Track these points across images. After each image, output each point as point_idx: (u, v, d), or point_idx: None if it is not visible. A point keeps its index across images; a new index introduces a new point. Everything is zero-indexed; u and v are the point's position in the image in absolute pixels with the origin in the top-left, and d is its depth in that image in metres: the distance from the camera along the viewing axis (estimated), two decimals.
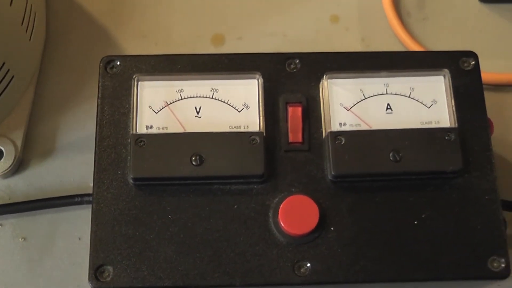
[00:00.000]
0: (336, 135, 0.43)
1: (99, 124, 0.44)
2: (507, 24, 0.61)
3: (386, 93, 0.45)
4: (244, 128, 0.44)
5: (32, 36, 0.55)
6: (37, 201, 0.53)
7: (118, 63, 0.46)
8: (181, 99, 0.44)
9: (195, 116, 0.44)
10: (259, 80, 0.45)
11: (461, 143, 0.43)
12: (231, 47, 0.60)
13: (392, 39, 0.60)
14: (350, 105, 0.45)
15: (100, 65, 0.46)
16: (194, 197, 0.43)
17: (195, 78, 0.45)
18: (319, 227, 0.42)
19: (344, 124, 0.44)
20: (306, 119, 0.45)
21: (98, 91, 0.45)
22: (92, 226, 0.42)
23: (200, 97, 0.45)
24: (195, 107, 0.44)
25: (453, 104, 0.44)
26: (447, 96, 0.45)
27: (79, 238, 0.53)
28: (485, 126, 0.45)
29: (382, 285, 0.43)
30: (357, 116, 0.44)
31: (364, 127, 0.44)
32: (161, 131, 0.44)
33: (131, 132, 0.43)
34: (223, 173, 0.42)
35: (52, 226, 0.53)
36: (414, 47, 0.58)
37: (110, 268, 0.41)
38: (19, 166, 0.55)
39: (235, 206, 0.43)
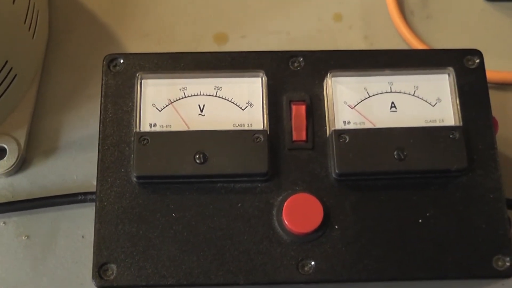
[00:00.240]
0: (340, 133, 0.43)
1: (103, 122, 0.44)
2: (511, 22, 0.60)
3: (390, 91, 0.45)
4: (247, 126, 0.44)
5: (35, 34, 0.55)
6: (40, 199, 0.53)
7: (121, 61, 0.46)
8: (185, 97, 0.44)
9: (199, 114, 0.44)
10: (263, 78, 0.45)
11: (465, 141, 0.43)
12: (235, 45, 0.60)
13: (396, 38, 0.60)
14: (354, 103, 0.44)
15: (103, 63, 0.46)
16: (197, 195, 0.43)
17: (198, 76, 0.45)
18: (323, 225, 0.42)
19: (348, 123, 0.44)
20: (310, 117, 0.44)
21: (101, 89, 0.45)
22: (96, 224, 0.42)
23: (203, 95, 0.44)
24: (199, 105, 0.44)
25: (457, 102, 0.44)
26: (451, 95, 0.45)
27: (83, 236, 0.53)
28: (490, 124, 0.45)
29: (386, 284, 0.43)
30: (361, 114, 0.44)
31: (368, 125, 0.44)
32: (164, 129, 0.44)
33: (134, 130, 0.43)
34: (227, 171, 0.42)
35: (55, 224, 0.53)
36: (417, 45, 0.58)
37: (113, 266, 0.41)
38: (22, 164, 0.55)
39: (239, 205, 0.43)
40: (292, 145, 0.44)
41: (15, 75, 0.53)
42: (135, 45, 0.59)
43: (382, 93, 0.45)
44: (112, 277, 0.41)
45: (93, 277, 0.41)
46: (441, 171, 0.43)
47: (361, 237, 0.42)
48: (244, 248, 0.42)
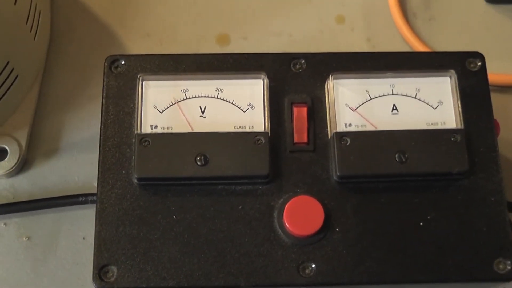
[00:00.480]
0: (341, 135, 0.43)
1: (104, 124, 0.44)
2: None
3: (392, 94, 0.45)
4: (249, 128, 0.44)
5: (36, 35, 0.55)
6: (41, 201, 0.53)
7: (123, 62, 0.46)
8: (186, 98, 0.44)
9: (200, 116, 0.44)
10: (264, 80, 0.45)
11: (467, 144, 0.43)
12: (237, 47, 0.60)
13: (398, 40, 0.60)
14: (356, 105, 0.44)
15: (104, 64, 0.46)
16: (198, 197, 0.43)
17: (200, 78, 0.45)
18: (324, 228, 0.42)
19: (350, 125, 0.44)
20: (311, 119, 0.44)
21: (103, 90, 0.45)
22: (96, 226, 0.42)
23: (205, 97, 0.44)
24: (200, 107, 0.44)
25: (459, 105, 0.44)
26: (453, 97, 0.45)
27: (83, 238, 0.53)
28: (491, 127, 0.45)
29: (387, 287, 0.43)
30: (363, 117, 0.44)
31: (369, 128, 0.44)
32: (165, 131, 0.44)
33: (135, 132, 0.43)
34: (228, 174, 0.42)
35: (56, 226, 0.53)
36: (419, 47, 0.58)
37: (114, 268, 0.41)
38: (23, 165, 0.55)
39: (240, 207, 0.43)
40: (294, 148, 0.44)
41: (17, 76, 0.53)
42: (137, 46, 0.59)
43: (383, 95, 0.45)
44: (112, 279, 0.41)
45: (94, 279, 0.41)
46: (443, 174, 0.43)
47: (362, 240, 0.42)
48: (245, 250, 0.42)
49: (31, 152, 0.55)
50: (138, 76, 0.45)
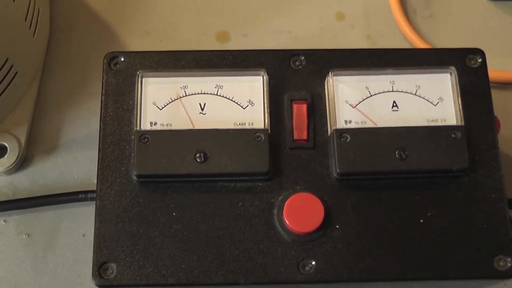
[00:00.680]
0: (341, 132, 0.43)
1: (103, 121, 0.44)
2: None
3: (392, 91, 0.45)
4: (248, 125, 0.44)
5: (36, 32, 0.55)
6: (41, 198, 0.53)
7: (122, 59, 0.46)
8: (186, 95, 0.44)
9: (200, 113, 0.44)
10: (264, 77, 0.44)
11: (467, 141, 0.43)
12: (236, 43, 0.59)
13: (398, 37, 0.60)
14: (356, 102, 0.44)
15: (104, 61, 0.45)
16: (198, 194, 0.43)
17: (199, 75, 0.45)
18: (324, 225, 0.42)
19: (350, 122, 0.44)
20: (311, 116, 0.44)
21: (102, 87, 0.45)
22: (96, 223, 0.42)
23: (204, 93, 0.44)
24: (200, 104, 0.44)
25: (459, 102, 0.44)
26: (453, 94, 0.45)
27: (83, 235, 0.53)
28: (492, 124, 0.45)
29: (387, 284, 0.43)
30: (363, 114, 0.44)
31: (369, 124, 0.44)
32: (165, 127, 0.43)
33: (135, 129, 0.43)
34: (228, 170, 0.42)
35: (56, 223, 0.53)
36: (420, 44, 0.58)
37: (113, 265, 0.41)
38: (23, 162, 0.55)
39: (240, 204, 0.43)
40: (293, 144, 0.44)
41: (16, 73, 0.53)
42: (136, 43, 0.59)
43: (383, 92, 0.45)
44: (112, 276, 0.41)
45: (93, 276, 0.41)
46: (443, 171, 0.43)
47: (362, 237, 0.42)
48: (244, 247, 0.42)
49: (31, 149, 0.55)
50: (138, 73, 0.45)
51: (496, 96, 0.46)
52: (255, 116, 0.44)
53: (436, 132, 0.43)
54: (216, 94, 0.44)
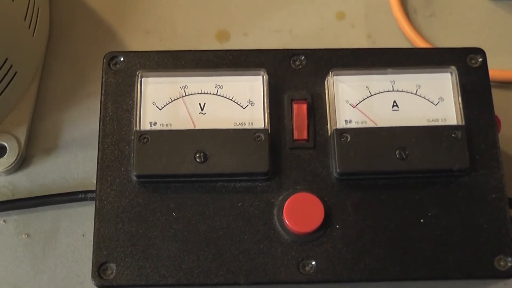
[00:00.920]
0: (341, 132, 0.43)
1: (103, 121, 0.44)
2: None
3: (393, 90, 0.45)
4: (248, 125, 0.43)
5: (35, 31, 0.55)
6: (41, 198, 0.53)
7: (122, 59, 0.45)
8: (185, 95, 0.44)
9: (200, 113, 0.44)
10: (264, 77, 0.44)
11: (468, 141, 0.43)
12: (236, 43, 0.59)
13: (399, 36, 0.60)
14: (356, 102, 0.44)
15: (103, 61, 0.45)
16: (198, 194, 0.43)
17: (199, 75, 0.45)
18: (324, 225, 0.42)
19: (350, 121, 0.44)
20: (311, 116, 0.44)
21: (102, 87, 0.45)
22: (95, 224, 0.42)
23: (204, 93, 0.44)
24: (199, 104, 0.44)
25: (460, 101, 0.44)
26: (454, 94, 0.44)
27: (83, 235, 0.52)
28: (492, 123, 0.44)
29: (387, 284, 0.43)
30: (363, 113, 0.44)
31: (370, 124, 0.44)
32: (165, 127, 0.43)
33: (134, 129, 0.43)
34: (228, 171, 0.42)
35: (55, 223, 0.53)
36: (420, 44, 0.58)
37: (113, 266, 0.41)
38: (22, 162, 0.55)
39: (240, 204, 0.42)
40: (293, 144, 0.44)
41: (15, 73, 0.53)
42: (136, 43, 0.59)
43: (384, 92, 0.45)
44: (111, 276, 0.41)
45: (93, 276, 0.41)
46: (443, 171, 0.43)
47: (362, 237, 0.42)
48: (244, 247, 0.42)
49: (30, 149, 0.55)
50: (137, 72, 0.45)
51: (497, 95, 0.46)
52: (255, 116, 0.44)
53: (437, 131, 0.43)
54: (216, 94, 0.44)
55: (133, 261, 0.41)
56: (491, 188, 0.43)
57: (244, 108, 0.44)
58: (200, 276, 0.41)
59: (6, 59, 0.51)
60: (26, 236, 0.53)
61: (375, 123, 0.44)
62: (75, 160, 0.55)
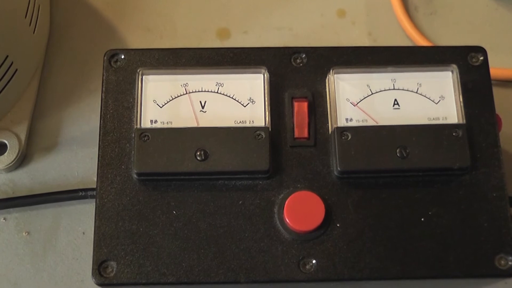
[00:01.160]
0: (342, 130, 0.43)
1: (103, 118, 0.44)
2: None
3: (393, 89, 0.44)
4: (249, 123, 0.43)
5: (36, 29, 0.55)
6: (41, 195, 0.53)
7: (122, 56, 0.45)
8: (186, 93, 0.44)
9: (200, 111, 0.44)
10: (265, 75, 0.44)
11: (468, 139, 0.43)
12: (237, 41, 0.59)
13: (399, 34, 0.60)
14: (357, 100, 0.44)
15: (104, 58, 0.45)
16: (198, 192, 0.43)
17: (200, 72, 0.45)
18: (324, 223, 0.41)
19: (351, 120, 0.44)
20: (312, 114, 0.44)
21: (102, 85, 0.45)
22: (96, 221, 0.42)
23: (205, 91, 0.44)
24: (200, 102, 0.44)
25: (461, 100, 0.44)
26: (455, 92, 0.44)
27: (83, 233, 0.52)
28: (493, 122, 0.44)
29: (388, 283, 0.43)
30: (364, 112, 0.44)
31: (370, 122, 0.44)
32: (165, 125, 0.43)
33: (135, 127, 0.43)
34: (228, 169, 0.42)
35: (56, 221, 0.53)
36: (421, 42, 0.58)
37: (113, 264, 0.41)
38: (22, 160, 0.55)
39: (240, 202, 0.42)
40: (294, 142, 0.44)
41: (16, 70, 0.53)
42: (137, 40, 0.59)
43: (385, 90, 0.44)
44: (112, 274, 0.41)
45: (93, 274, 0.41)
46: (444, 169, 0.43)
47: (363, 236, 0.42)
48: (245, 246, 0.42)
49: (31, 147, 0.55)
50: (138, 70, 0.44)
51: (498, 94, 0.46)
52: (256, 114, 0.44)
53: (438, 130, 0.43)
54: (217, 92, 0.44)
55: (133, 259, 0.41)
56: (492, 186, 0.43)
57: (245, 106, 0.44)
58: (201, 274, 0.41)
59: (7, 56, 0.51)
60: (27, 234, 0.53)
61: (376, 122, 0.44)
62: (76, 158, 0.55)
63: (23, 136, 0.54)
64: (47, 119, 0.56)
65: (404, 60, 0.45)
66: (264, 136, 0.42)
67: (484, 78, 0.45)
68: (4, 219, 0.53)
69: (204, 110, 0.44)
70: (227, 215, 0.42)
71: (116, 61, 0.45)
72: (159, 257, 0.41)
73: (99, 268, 0.41)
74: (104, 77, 0.45)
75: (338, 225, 0.42)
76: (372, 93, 0.44)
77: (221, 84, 0.44)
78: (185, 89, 0.44)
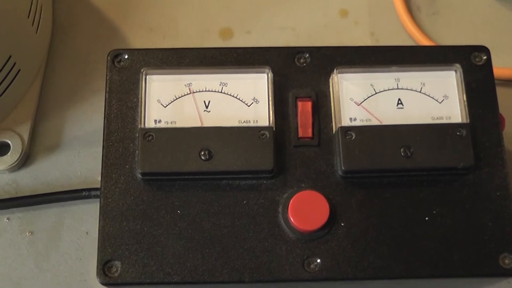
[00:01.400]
0: (346, 130, 0.43)
1: (107, 118, 0.44)
2: None
3: (397, 88, 0.44)
4: (253, 122, 0.43)
5: (38, 29, 0.55)
6: (44, 195, 0.53)
7: (126, 56, 0.45)
8: (190, 93, 0.44)
9: (204, 111, 0.44)
10: (269, 75, 0.44)
11: (472, 139, 0.43)
12: (239, 41, 0.59)
13: (402, 34, 0.60)
14: (361, 100, 0.44)
15: (107, 58, 0.45)
16: (202, 192, 0.43)
17: (204, 72, 0.45)
18: (329, 223, 0.41)
19: (355, 119, 0.44)
20: (316, 114, 0.44)
21: (106, 85, 0.45)
22: (100, 221, 0.42)
23: (209, 91, 0.44)
24: (204, 101, 0.44)
25: (464, 99, 0.44)
26: (458, 92, 0.44)
27: (87, 233, 0.52)
28: (497, 121, 0.44)
29: (392, 282, 0.43)
30: (368, 111, 0.44)
31: (374, 122, 0.44)
32: (169, 125, 0.43)
33: (139, 126, 0.43)
34: (232, 168, 0.42)
35: (59, 221, 0.53)
36: (424, 41, 0.58)
37: (118, 263, 0.41)
38: (25, 160, 0.55)
39: (244, 202, 0.42)
40: (298, 142, 0.44)
41: (19, 70, 0.53)
42: (140, 40, 0.59)
43: (388, 89, 0.45)
44: (116, 274, 0.41)
45: (98, 274, 0.41)
46: (448, 169, 0.43)
47: (367, 235, 0.42)
48: (249, 245, 0.42)
49: (34, 147, 0.55)
50: (142, 70, 0.44)
51: (501, 93, 0.46)
52: (260, 113, 0.44)
53: (441, 129, 0.43)
54: (221, 92, 0.44)
55: (138, 258, 0.41)
56: (496, 186, 0.43)
57: (248, 106, 0.44)
58: (205, 274, 0.41)
59: (10, 56, 0.51)
60: (30, 233, 0.53)
61: (379, 121, 0.44)
62: (78, 158, 0.55)
63: (26, 136, 0.54)
64: (50, 119, 0.56)
65: (407, 60, 0.45)
66: (268, 135, 0.42)
67: (487, 78, 0.45)
68: (8, 219, 0.53)
69: (208, 110, 0.44)
70: (231, 215, 0.42)
71: (119, 61, 0.45)
72: (164, 256, 0.41)
73: (103, 268, 0.41)
74: (107, 77, 0.45)
75: (342, 224, 0.42)
76: (376, 93, 0.44)
77: (225, 84, 0.44)
78: (189, 88, 0.44)
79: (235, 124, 0.43)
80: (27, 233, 0.53)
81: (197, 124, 0.43)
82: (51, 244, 0.52)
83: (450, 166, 0.43)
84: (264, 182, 0.43)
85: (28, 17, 0.52)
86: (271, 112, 0.43)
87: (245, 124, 0.43)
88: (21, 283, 0.51)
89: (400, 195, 0.43)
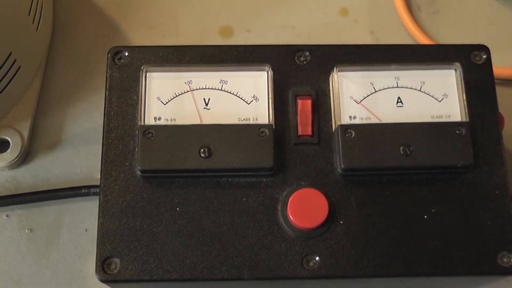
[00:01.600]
0: (346, 128, 0.43)
1: (107, 116, 0.44)
2: None
3: (397, 87, 0.45)
4: (253, 120, 0.43)
5: (39, 26, 0.55)
6: (44, 192, 0.53)
7: (126, 54, 0.45)
8: (190, 90, 0.44)
9: (204, 108, 0.44)
10: (269, 72, 0.44)
11: (471, 137, 0.43)
12: (240, 39, 0.59)
13: (402, 33, 0.60)
14: (360, 98, 0.44)
15: (108, 56, 0.45)
16: (202, 189, 0.43)
17: (204, 70, 0.45)
18: (328, 220, 0.42)
19: (354, 117, 0.44)
20: (315, 112, 0.44)
21: (106, 82, 0.45)
22: (99, 218, 0.42)
23: (209, 88, 0.44)
24: (204, 99, 0.44)
25: (464, 98, 0.44)
26: (458, 90, 0.44)
27: (86, 230, 0.52)
28: (496, 120, 0.44)
29: (391, 280, 0.43)
30: (367, 109, 0.44)
31: (374, 120, 0.44)
32: (169, 122, 0.43)
33: (139, 124, 0.43)
34: (232, 166, 0.42)
35: (58, 218, 0.53)
36: (424, 40, 0.58)
37: (117, 261, 0.41)
38: (25, 157, 0.55)
39: (244, 199, 0.42)
40: (298, 140, 0.44)
41: (19, 67, 0.53)
42: (140, 38, 0.59)
43: (388, 88, 0.45)
44: (115, 271, 0.41)
45: (97, 271, 0.41)
46: (447, 167, 0.43)
47: (366, 233, 0.42)
48: (248, 243, 0.42)
49: (33, 144, 0.55)
50: (142, 67, 0.44)
51: (501, 92, 0.46)
52: (260, 111, 0.44)
53: (441, 128, 0.43)
54: (221, 89, 0.44)
55: (137, 256, 0.41)
56: (495, 184, 0.43)
57: (248, 104, 0.44)
58: (204, 271, 0.41)
59: (10, 54, 0.51)
60: (29, 231, 0.53)
61: (379, 119, 0.44)
62: (78, 155, 0.55)
63: (26, 134, 0.54)
64: (50, 117, 0.56)
65: (407, 59, 0.45)
66: (268, 133, 0.42)
67: (487, 77, 0.45)
68: (7, 216, 0.53)
69: (208, 107, 0.44)
70: (230, 212, 0.42)
71: (120, 59, 0.45)
72: (163, 254, 0.41)
73: (102, 265, 0.41)
74: (107, 74, 0.45)
75: (341, 222, 0.42)
76: (376, 91, 0.44)
77: (225, 82, 0.44)
78: (189, 86, 0.44)
79: (235, 121, 0.43)
80: (27, 230, 0.53)
81: (197, 121, 0.43)
82: (50, 241, 0.52)
83: (450, 164, 0.43)
84: (264, 179, 0.43)
85: (29, 14, 0.52)
86: (271, 110, 0.43)
87: (245, 122, 0.43)
88: (20, 280, 0.51)
89: (399, 193, 0.43)
